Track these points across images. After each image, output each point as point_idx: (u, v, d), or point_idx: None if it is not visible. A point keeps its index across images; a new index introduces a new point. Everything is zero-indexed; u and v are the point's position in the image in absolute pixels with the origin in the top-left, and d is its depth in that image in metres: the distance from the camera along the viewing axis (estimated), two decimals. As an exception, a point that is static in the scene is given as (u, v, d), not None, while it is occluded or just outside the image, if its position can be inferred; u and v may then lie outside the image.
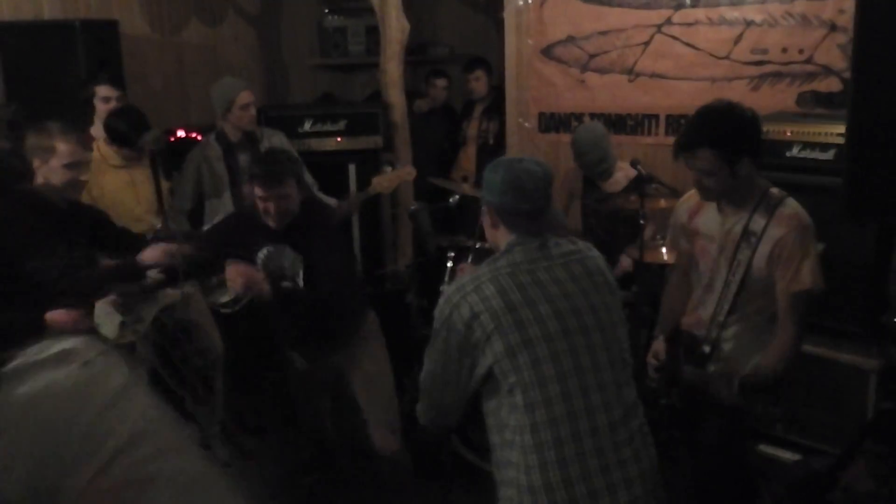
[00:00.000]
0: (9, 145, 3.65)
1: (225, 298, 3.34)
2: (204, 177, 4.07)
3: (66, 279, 2.85)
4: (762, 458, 3.55)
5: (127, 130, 3.61)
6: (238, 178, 4.01)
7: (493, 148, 5.28)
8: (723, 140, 2.43)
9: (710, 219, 2.67)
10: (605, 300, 2.09)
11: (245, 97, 4.05)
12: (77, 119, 3.91)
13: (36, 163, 2.93)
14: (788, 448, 3.53)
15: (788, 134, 3.59)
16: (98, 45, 4.36)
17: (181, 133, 4.32)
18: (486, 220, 2.18)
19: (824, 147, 3.49)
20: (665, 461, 2.82)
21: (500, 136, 5.23)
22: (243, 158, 4.07)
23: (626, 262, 3.92)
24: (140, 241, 3.29)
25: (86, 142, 3.09)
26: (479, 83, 5.45)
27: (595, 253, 2.20)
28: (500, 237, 2.15)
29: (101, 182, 3.67)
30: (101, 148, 3.73)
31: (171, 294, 3.40)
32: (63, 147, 2.90)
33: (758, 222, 2.51)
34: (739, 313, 2.60)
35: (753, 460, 3.45)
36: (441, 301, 2.08)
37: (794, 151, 3.58)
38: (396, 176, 4.19)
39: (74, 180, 2.95)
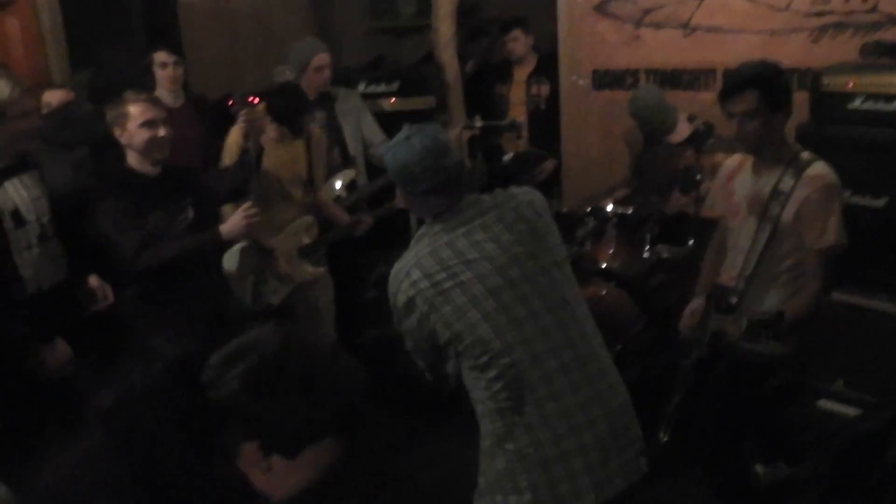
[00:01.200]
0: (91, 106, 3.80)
1: None
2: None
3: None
4: (823, 413, 3.52)
5: (285, 109, 3.65)
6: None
7: (546, 113, 5.13)
8: (766, 82, 2.58)
9: (745, 179, 2.79)
10: (545, 242, 2.10)
11: (320, 59, 4.10)
12: (139, 85, 4.04)
13: (117, 132, 3.00)
14: (850, 404, 3.49)
15: (851, 85, 3.50)
16: (156, 14, 4.46)
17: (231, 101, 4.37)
18: (401, 200, 2.21)
19: (889, 98, 3.40)
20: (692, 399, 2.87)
21: (552, 100, 5.10)
22: (320, 116, 4.15)
23: (680, 199, 3.86)
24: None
25: (156, 101, 3.13)
26: (516, 44, 5.13)
27: (531, 196, 2.17)
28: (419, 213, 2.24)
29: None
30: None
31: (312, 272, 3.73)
32: (134, 109, 2.96)
33: (787, 182, 2.62)
34: (766, 267, 2.70)
35: (812, 415, 3.44)
36: (389, 285, 2.13)
37: (857, 103, 3.49)
38: (454, 133, 4.22)
39: (154, 138, 2.99)
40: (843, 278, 3.51)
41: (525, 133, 5.12)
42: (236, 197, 3.42)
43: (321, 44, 4.25)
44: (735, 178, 2.84)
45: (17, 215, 2.82)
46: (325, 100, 4.23)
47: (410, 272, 2.04)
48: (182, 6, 4.84)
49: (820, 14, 4.13)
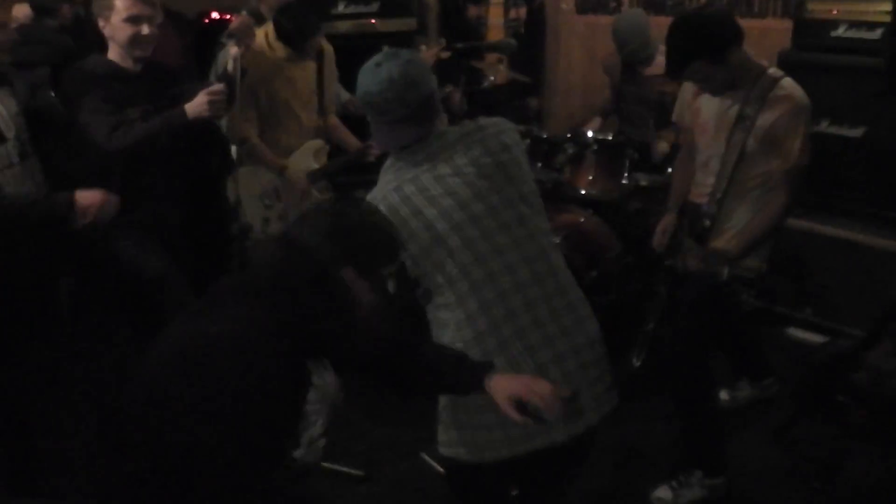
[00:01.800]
0: (56, 23, 3.68)
1: None
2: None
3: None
4: (791, 341, 3.62)
5: (293, 30, 3.49)
6: (236, 67, 3.91)
7: (524, 37, 4.97)
8: (701, 48, 2.52)
9: (710, 99, 2.75)
10: (511, 175, 2.04)
11: None
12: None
13: (101, 23, 2.91)
14: (818, 332, 3.58)
15: (835, 12, 3.49)
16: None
17: (215, 15, 4.28)
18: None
19: (871, 26, 3.39)
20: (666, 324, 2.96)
21: (530, 22, 4.96)
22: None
23: (662, 146, 3.90)
24: None
25: None
26: None
27: (500, 128, 2.10)
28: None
29: (264, 72, 3.56)
30: (270, 37, 3.58)
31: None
32: (120, 2, 2.85)
33: (752, 105, 2.59)
34: (736, 190, 2.71)
35: (780, 341, 3.54)
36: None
37: (840, 31, 3.49)
38: (431, 53, 4.10)
39: (137, 35, 2.90)
40: (819, 208, 3.58)
41: (505, 58, 5.06)
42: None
43: None
44: (700, 97, 2.80)
45: None
46: None
47: (378, 208, 1.96)
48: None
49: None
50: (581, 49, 4.90)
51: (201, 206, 3.35)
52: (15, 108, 2.82)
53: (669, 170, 3.67)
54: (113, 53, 2.96)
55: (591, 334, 2.06)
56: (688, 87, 2.87)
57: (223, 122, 3.70)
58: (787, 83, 2.60)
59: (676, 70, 2.61)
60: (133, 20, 2.88)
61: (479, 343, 1.95)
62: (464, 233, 1.95)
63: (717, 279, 2.60)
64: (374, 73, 1.97)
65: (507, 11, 4.97)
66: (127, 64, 2.95)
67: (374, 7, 4.89)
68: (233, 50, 3.13)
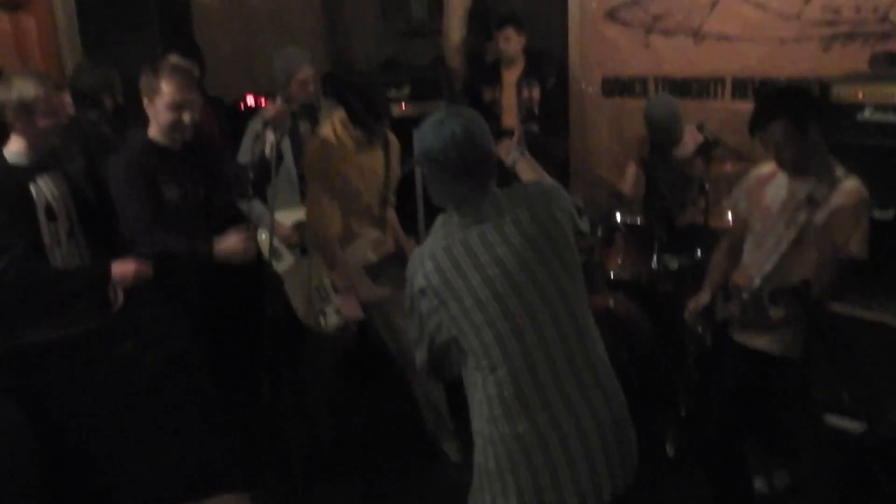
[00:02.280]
0: (96, 114, 3.80)
1: None
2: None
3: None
4: (829, 427, 3.54)
5: (363, 113, 3.41)
6: (299, 147, 3.95)
7: (539, 116, 4.90)
8: (793, 109, 2.60)
9: (779, 185, 2.77)
10: (558, 248, 2.08)
11: (305, 72, 3.99)
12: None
13: (145, 101, 3.03)
14: (856, 419, 3.50)
15: (860, 96, 3.52)
16: (171, 12, 4.50)
17: (250, 98, 4.42)
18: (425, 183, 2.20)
19: (898, 110, 3.42)
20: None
21: (544, 102, 4.87)
22: (304, 127, 4.07)
23: (693, 214, 3.90)
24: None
25: (192, 81, 3.11)
26: (508, 44, 4.84)
27: (551, 195, 2.15)
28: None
29: (335, 162, 3.49)
30: (338, 127, 3.51)
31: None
32: (167, 87, 2.97)
33: (821, 191, 2.63)
34: (785, 270, 2.69)
35: (821, 429, 3.46)
36: (408, 267, 2.14)
37: (866, 114, 3.51)
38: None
39: (178, 122, 3.02)
40: (852, 291, 3.54)
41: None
42: (252, 192, 3.41)
43: (305, 55, 4.10)
44: (768, 184, 2.84)
45: (49, 210, 2.89)
46: (310, 111, 4.10)
47: (425, 263, 2.07)
48: (196, 5, 4.88)
49: (830, 23, 4.14)
50: (608, 131, 4.97)
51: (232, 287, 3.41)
52: (64, 188, 2.98)
53: (699, 252, 3.67)
54: (153, 131, 3.08)
55: (616, 414, 2.07)
56: (753, 176, 2.92)
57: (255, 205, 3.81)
58: (855, 179, 2.65)
59: (759, 125, 2.65)
60: (176, 107, 3.00)
61: (505, 408, 2.00)
62: (505, 303, 2.01)
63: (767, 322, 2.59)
64: (438, 130, 2.05)
65: (520, 92, 4.90)
66: (166, 142, 3.07)
67: (406, 91, 5.02)
68: (269, 137, 3.21)
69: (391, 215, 3.76)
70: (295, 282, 3.66)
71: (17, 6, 4.40)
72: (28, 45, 4.46)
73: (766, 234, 2.78)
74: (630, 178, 4.23)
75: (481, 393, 2.04)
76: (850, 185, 2.62)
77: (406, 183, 4.19)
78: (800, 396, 3.05)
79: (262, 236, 3.90)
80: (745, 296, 2.69)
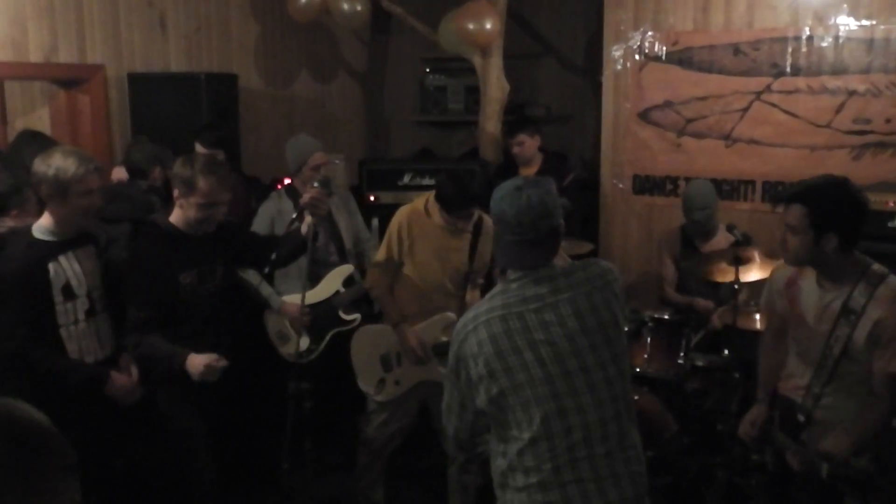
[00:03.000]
0: (146, 184, 3.93)
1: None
2: (276, 230, 3.98)
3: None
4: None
5: (452, 196, 3.44)
6: (310, 232, 4.03)
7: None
8: (816, 202, 2.49)
9: (809, 290, 2.69)
10: (608, 336, 2.11)
11: (317, 158, 4.06)
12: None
13: (176, 192, 3.04)
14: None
15: (891, 204, 3.57)
16: (219, 97, 4.69)
17: (287, 181, 4.54)
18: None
19: (928, 219, 3.45)
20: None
21: (562, 194, 4.91)
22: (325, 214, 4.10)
23: (716, 320, 3.91)
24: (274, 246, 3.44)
25: (227, 180, 3.10)
26: (521, 148, 4.94)
27: (608, 279, 2.18)
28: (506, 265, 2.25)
29: (416, 235, 3.57)
30: (430, 203, 3.57)
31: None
32: (203, 185, 2.97)
33: (857, 300, 2.51)
34: (836, 385, 2.60)
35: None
36: (457, 328, 2.18)
37: (897, 222, 3.54)
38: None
39: (211, 217, 3.05)
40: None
41: None
42: (273, 268, 3.51)
43: (317, 142, 4.18)
44: (795, 287, 2.74)
45: (67, 289, 2.89)
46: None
47: (478, 329, 2.10)
48: (242, 90, 5.08)
49: (861, 133, 4.23)
50: (639, 227, 5.03)
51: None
52: (91, 266, 3.00)
53: (726, 352, 3.66)
54: (178, 218, 3.08)
55: (640, 491, 2.11)
56: (778, 276, 2.84)
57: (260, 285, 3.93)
58: (894, 280, 2.52)
59: (783, 200, 2.58)
60: (210, 206, 3.03)
61: (540, 478, 2.05)
62: (554, 385, 2.05)
63: (820, 477, 2.41)
64: (515, 196, 2.12)
65: None
66: (189, 230, 3.08)
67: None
68: (308, 218, 3.29)
69: (474, 296, 3.73)
70: (360, 350, 3.68)
71: (73, 84, 4.61)
72: (81, 121, 4.65)
73: (808, 347, 2.67)
74: (670, 275, 4.26)
75: (517, 462, 2.08)
76: (888, 292, 2.47)
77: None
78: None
79: (269, 315, 3.98)
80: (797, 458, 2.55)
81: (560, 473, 2.05)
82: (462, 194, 3.41)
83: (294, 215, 3.54)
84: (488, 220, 3.62)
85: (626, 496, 2.07)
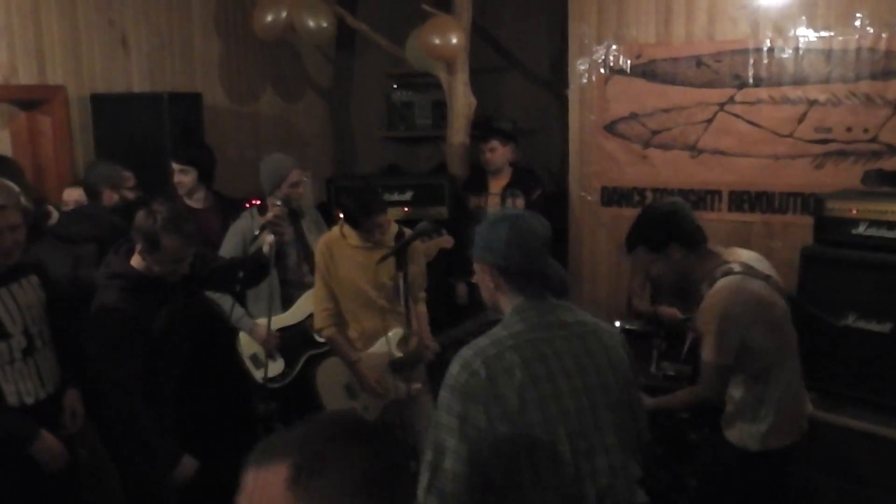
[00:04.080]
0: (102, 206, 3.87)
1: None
2: (248, 250, 3.95)
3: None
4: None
5: (353, 210, 3.51)
6: (283, 252, 3.96)
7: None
8: (646, 235, 2.90)
9: None
10: (619, 378, 2.03)
11: (296, 175, 4.06)
12: (163, 186, 4.17)
13: (139, 247, 2.91)
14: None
15: (854, 212, 3.60)
16: (183, 116, 4.64)
17: (256, 202, 4.50)
18: (484, 281, 2.09)
19: (891, 225, 3.49)
20: None
21: (532, 208, 4.73)
22: (289, 234, 4.01)
23: (690, 336, 3.93)
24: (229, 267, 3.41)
25: (194, 234, 2.96)
26: (493, 154, 4.94)
27: (611, 329, 2.14)
28: (503, 299, 2.08)
29: (338, 260, 3.62)
30: (344, 227, 3.64)
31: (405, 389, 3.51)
32: (167, 243, 2.84)
33: (705, 292, 2.85)
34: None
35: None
36: (456, 366, 1.96)
37: (861, 229, 3.58)
38: (435, 243, 4.15)
39: (176, 272, 2.96)
40: (850, 403, 3.54)
41: None
42: (240, 289, 3.51)
43: (292, 159, 4.18)
44: None
45: None
46: (293, 216, 4.09)
47: (505, 354, 1.93)
48: (207, 109, 5.03)
49: (823, 142, 4.28)
50: (607, 239, 5.05)
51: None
52: (30, 299, 2.83)
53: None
54: (139, 262, 2.94)
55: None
56: None
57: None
58: (720, 284, 2.80)
59: (628, 251, 3.02)
60: (177, 262, 2.93)
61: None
62: (569, 423, 1.93)
63: None
64: (523, 222, 2.03)
65: (503, 202, 4.85)
66: (152, 275, 2.95)
67: (408, 195, 5.13)
68: (269, 238, 3.27)
69: (419, 309, 3.76)
70: (325, 380, 3.66)
71: (34, 105, 4.54)
72: (42, 143, 4.57)
73: None
74: (638, 286, 4.29)
75: None
76: (712, 290, 2.80)
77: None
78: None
79: (243, 341, 3.93)
80: None
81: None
82: (362, 205, 3.46)
83: (256, 232, 3.52)
84: (418, 243, 3.69)
85: None
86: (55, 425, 2.88)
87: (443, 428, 1.91)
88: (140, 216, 2.89)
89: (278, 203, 3.43)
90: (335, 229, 3.63)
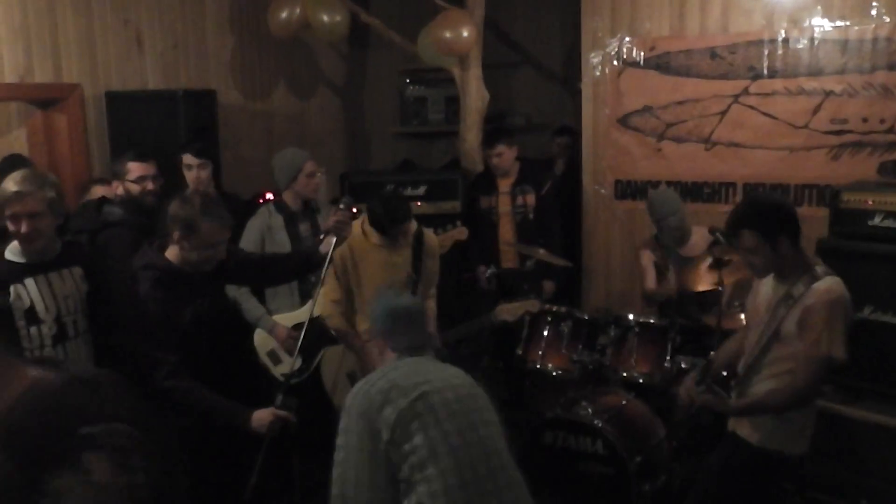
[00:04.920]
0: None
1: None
2: (266, 245, 4.03)
3: None
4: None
5: (382, 218, 3.62)
6: (300, 246, 4.00)
7: (533, 222, 4.87)
8: (756, 220, 2.80)
9: (768, 284, 2.94)
10: (488, 417, 2.44)
11: (311, 166, 4.11)
12: (179, 183, 4.19)
13: (177, 234, 2.95)
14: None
15: (870, 203, 3.57)
16: (197, 113, 4.67)
17: (270, 196, 4.52)
18: (376, 348, 2.65)
19: (907, 217, 3.47)
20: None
21: (541, 208, 4.86)
22: (304, 228, 4.11)
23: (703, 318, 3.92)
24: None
25: (229, 219, 3.04)
26: (500, 159, 4.84)
27: (477, 390, 2.51)
28: (388, 360, 2.56)
29: (358, 257, 3.70)
30: (366, 225, 3.71)
31: None
32: (205, 227, 2.91)
33: (799, 289, 2.78)
34: (767, 364, 2.84)
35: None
36: (352, 392, 2.41)
37: (877, 220, 3.56)
38: (450, 235, 4.22)
39: (213, 258, 3.00)
40: (866, 395, 3.51)
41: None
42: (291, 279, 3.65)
43: (305, 152, 4.22)
44: (763, 284, 2.98)
45: (31, 314, 2.76)
46: (309, 211, 4.16)
47: (391, 389, 2.35)
48: (221, 106, 5.06)
49: (839, 133, 4.25)
50: (621, 233, 5.04)
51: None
52: (68, 290, 2.86)
53: (712, 353, 3.66)
54: (175, 257, 2.99)
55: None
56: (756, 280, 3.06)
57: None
58: (831, 279, 2.77)
59: (732, 232, 2.88)
60: (215, 245, 2.97)
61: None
62: (451, 441, 2.31)
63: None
64: (398, 302, 2.64)
65: (514, 199, 4.85)
66: (188, 268, 2.99)
67: (421, 190, 5.13)
68: (331, 239, 3.31)
69: (429, 307, 3.82)
70: (328, 370, 3.68)
71: (50, 104, 4.58)
72: (58, 141, 4.61)
73: (753, 331, 2.93)
74: (651, 273, 4.27)
75: (428, 499, 2.24)
76: (823, 285, 2.74)
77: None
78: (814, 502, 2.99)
79: (258, 338, 3.95)
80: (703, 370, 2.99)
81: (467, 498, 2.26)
82: (390, 215, 3.57)
83: (321, 236, 3.57)
84: (430, 235, 3.85)
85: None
86: None
87: (341, 446, 2.46)
88: (175, 205, 2.96)
89: (342, 206, 3.47)
90: (356, 226, 3.65)
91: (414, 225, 3.74)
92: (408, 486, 2.26)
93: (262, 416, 2.94)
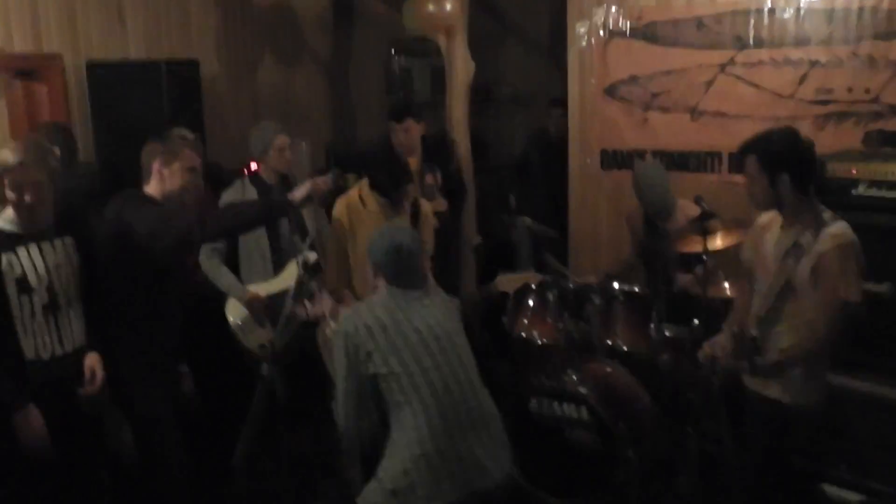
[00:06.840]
0: None
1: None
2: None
3: None
4: (827, 498, 3.50)
5: (385, 181, 3.59)
6: (273, 223, 3.97)
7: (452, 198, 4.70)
8: (764, 149, 2.83)
9: (775, 233, 2.94)
10: (460, 337, 2.79)
11: (282, 140, 4.07)
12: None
13: (157, 165, 3.11)
14: (854, 490, 3.47)
15: (854, 172, 3.59)
16: (180, 84, 4.62)
17: (254, 166, 4.49)
18: (370, 273, 2.84)
19: (891, 185, 3.48)
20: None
21: (449, 187, 4.69)
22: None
23: (686, 279, 3.92)
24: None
25: (199, 146, 3.28)
26: (408, 135, 4.44)
27: (453, 304, 2.89)
28: (380, 286, 2.80)
29: (356, 225, 3.65)
30: (364, 191, 3.67)
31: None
32: (187, 152, 3.13)
33: (808, 237, 2.77)
34: (780, 315, 2.84)
35: (815, 498, 3.42)
36: (340, 321, 2.70)
37: (860, 190, 3.57)
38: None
39: (192, 183, 3.15)
40: (849, 364, 3.54)
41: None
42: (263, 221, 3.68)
43: (279, 125, 4.18)
44: (767, 233, 2.99)
45: (22, 282, 2.80)
46: (285, 184, 4.09)
47: (364, 314, 2.67)
48: (206, 79, 5.01)
49: (824, 102, 4.25)
50: (607, 204, 5.04)
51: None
52: (60, 259, 2.90)
53: (696, 321, 3.68)
54: (154, 189, 3.15)
55: (493, 426, 2.71)
56: (758, 223, 3.08)
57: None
58: (841, 224, 2.77)
59: (741, 153, 2.92)
60: (192, 170, 3.16)
61: (432, 430, 2.57)
62: (423, 361, 2.63)
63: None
64: (398, 236, 2.80)
65: (422, 180, 4.45)
66: (165, 201, 3.15)
67: (407, 162, 5.09)
68: (305, 187, 3.37)
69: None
70: (324, 338, 3.69)
71: (30, 74, 4.52)
72: (39, 112, 4.56)
73: (765, 283, 2.91)
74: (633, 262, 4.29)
75: (411, 424, 2.57)
76: (833, 230, 2.73)
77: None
78: (799, 467, 3.02)
79: (231, 306, 3.94)
80: (736, 340, 2.90)
81: (443, 426, 2.57)
82: (394, 178, 3.56)
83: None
84: (426, 205, 3.83)
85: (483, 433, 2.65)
86: (71, 381, 2.92)
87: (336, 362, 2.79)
88: (149, 144, 3.16)
89: (331, 175, 3.46)
90: (353, 193, 3.62)
91: (414, 188, 3.73)
92: (396, 408, 2.59)
93: (302, 189, 3.34)
